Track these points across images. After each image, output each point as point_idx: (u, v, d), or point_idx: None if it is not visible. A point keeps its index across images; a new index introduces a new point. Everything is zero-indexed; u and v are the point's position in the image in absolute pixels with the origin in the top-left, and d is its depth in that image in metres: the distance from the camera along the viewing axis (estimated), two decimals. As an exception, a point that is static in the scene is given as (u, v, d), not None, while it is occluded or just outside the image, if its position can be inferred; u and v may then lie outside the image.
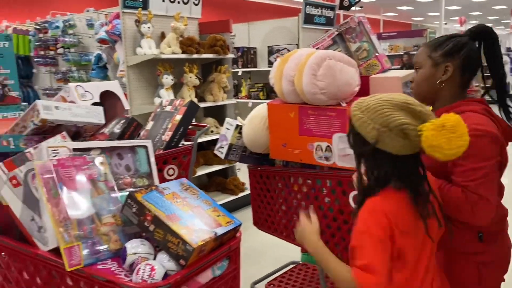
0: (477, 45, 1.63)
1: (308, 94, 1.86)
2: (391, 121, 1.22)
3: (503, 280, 1.66)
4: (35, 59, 5.72)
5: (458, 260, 1.62)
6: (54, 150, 1.29)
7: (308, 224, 1.45)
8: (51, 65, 5.61)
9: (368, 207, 1.29)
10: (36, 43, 5.63)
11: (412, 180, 1.29)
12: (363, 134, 1.27)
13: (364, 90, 2.05)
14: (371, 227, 1.25)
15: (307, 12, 5.30)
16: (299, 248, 2.58)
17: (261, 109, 2.23)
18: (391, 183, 1.29)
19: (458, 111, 1.42)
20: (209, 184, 4.62)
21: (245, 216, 2.58)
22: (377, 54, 2.12)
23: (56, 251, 1.28)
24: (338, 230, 2.05)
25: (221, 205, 1.51)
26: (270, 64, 5.73)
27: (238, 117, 2.55)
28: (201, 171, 4.27)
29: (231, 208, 4.25)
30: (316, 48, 2.10)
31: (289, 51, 4.92)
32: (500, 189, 1.58)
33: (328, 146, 1.93)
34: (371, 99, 1.29)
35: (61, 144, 1.32)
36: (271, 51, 5.75)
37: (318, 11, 5.46)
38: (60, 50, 5.23)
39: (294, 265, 2.88)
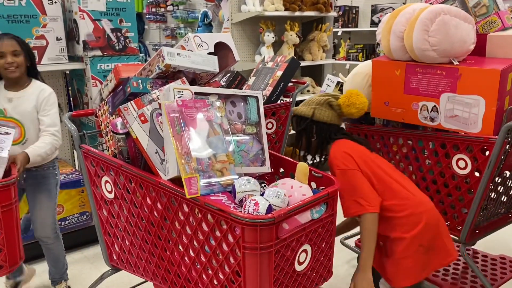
0: None
1: (418, 51, 1.81)
2: (320, 99, 1.86)
3: None
4: (147, 16, 6.13)
5: None
6: (179, 91, 1.44)
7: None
8: (160, 22, 5.99)
9: (333, 153, 1.76)
10: (149, 1, 6.01)
11: (344, 133, 1.89)
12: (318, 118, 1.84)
13: (480, 49, 1.93)
14: (346, 164, 1.70)
15: (418, -32, 4.96)
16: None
17: (364, 67, 2.22)
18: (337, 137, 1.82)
19: None
20: (302, 143, 4.70)
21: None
22: (498, 10, 1.97)
23: (174, 181, 1.46)
24: (437, 193, 2.02)
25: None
26: (373, 24, 5.50)
27: (340, 74, 2.56)
28: (295, 130, 4.34)
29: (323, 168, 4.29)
30: (430, 3, 2.00)
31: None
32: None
33: (435, 106, 1.87)
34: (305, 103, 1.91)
35: (185, 87, 1.47)
36: (375, 10, 5.50)
37: (430, -33, 5.07)
38: (170, 8, 5.54)
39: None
